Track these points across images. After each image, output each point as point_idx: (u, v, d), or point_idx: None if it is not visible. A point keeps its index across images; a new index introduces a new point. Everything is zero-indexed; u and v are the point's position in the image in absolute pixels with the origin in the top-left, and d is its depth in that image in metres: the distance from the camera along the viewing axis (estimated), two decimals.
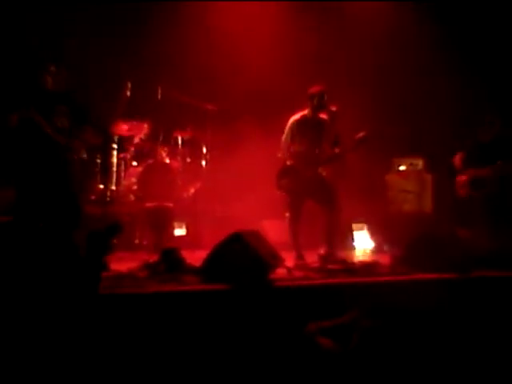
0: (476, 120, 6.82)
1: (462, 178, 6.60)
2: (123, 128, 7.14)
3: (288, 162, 5.89)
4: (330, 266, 5.20)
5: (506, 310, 4.34)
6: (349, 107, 6.27)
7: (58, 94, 5.25)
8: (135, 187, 7.03)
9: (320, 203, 5.88)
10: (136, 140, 7.23)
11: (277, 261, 4.71)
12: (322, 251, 5.81)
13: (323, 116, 5.96)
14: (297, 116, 5.97)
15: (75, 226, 5.01)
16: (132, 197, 7.05)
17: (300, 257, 5.73)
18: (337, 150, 5.86)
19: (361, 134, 5.79)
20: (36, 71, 5.31)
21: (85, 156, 5.41)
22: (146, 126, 7.29)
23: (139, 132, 7.29)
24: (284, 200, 6.00)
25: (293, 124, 5.95)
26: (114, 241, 6.42)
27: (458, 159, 6.69)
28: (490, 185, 6.49)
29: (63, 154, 5.17)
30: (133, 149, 7.25)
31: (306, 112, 5.96)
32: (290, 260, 5.22)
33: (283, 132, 6.00)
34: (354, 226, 7.53)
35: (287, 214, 5.94)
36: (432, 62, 8.04)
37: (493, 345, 3.87)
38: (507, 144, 6.50)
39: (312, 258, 5.71)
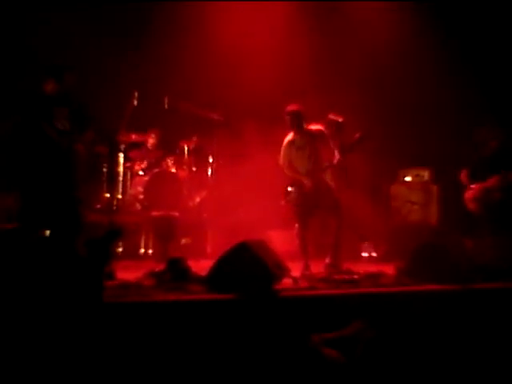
0: (475, 135, 6.95)
1: (470, 194, 6.75)
2: (130, 137, 7.18)
3: (292, 177, 5.98)
4: (335, 277, 5.20)
5: (509, 321, 4.34)
6: (352, 118, 6.30)
7: (59, 96, 5.15)
8: (141, 196, 7.06)
9: (325, 211, 5.93)
10: (144, 149, 7.27)
11: (282, 271, 4.72)
12: (327, 261, 5.84)
13: (314, 128, 6.02)
14: (289, 137, 6.08)
15: (76, 231, 4.96)
16: (138, 206, 7.08)
17: (307, 267, 5.76)
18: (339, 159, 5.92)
19: (357, 135, 5.85)
20: (41, 76, 5.26)
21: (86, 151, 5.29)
22: (153, 135, 7.33)
23: (146, 141, 7.32)
24: (292, 212, 6.04)
25: (285, 145, 6.08)
26: (119, 249, 6.51)
27: (463, 175, 6.82)
28: (499, 194, 6.58)
29: (65, 158, 5.06)
30: (139, 158, 7.28)
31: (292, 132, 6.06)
32: (295, 270, 5.22)
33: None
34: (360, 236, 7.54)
35: (296, 225, 5.98)
36: (438, 74, 8.05)
37: (496, 355, 3.87)
38: (508, 155, 6.61)
39: (319, 268, 5.73)
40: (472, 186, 6.78)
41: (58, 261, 3.68)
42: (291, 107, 6.01)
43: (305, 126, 6.00)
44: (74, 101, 5.24)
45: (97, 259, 3.94)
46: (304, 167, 5.99)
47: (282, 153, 6.10)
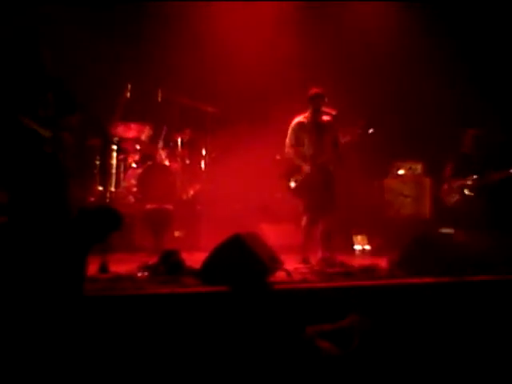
0: (461, 133, 7.04)
1: (445, 187, 7.04)
2: (123, 130, 7.14)
3: (294, 163, 5.94)
4: (328, 270, 5.22)
5: (502, 313, 4.36)
6: (347, 111, 6.30)
7: (41, 80, 4.74)
8: (135, 189, 7.03)
9: (321, 202, 5.90)
10: (138, 141, 7.24)
11: (276, 264, 4.72)
12: (320, 254, 5.85)
13: (325, 117, 6.00)
14: (299, 118, 6.03)
15: (64, 222, 4.81)
16: (131, 198, 7.06)
17: (306, 260, 5.76)
18: (336, 151, 5.90)
19: (362, 122, 5.87)
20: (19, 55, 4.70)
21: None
22: (148, 128, 7.31)
23: (140, 134, 7.29)
24: (300, 204, 6.03)
25: (295, 126, 6.02)
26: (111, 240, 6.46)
27: (447, 169, 6.93)
28: (473, 193, 6.71)
29: (49, 148, 4.71)
30: (132, 150, 7.26)
31: (307, 114, 6.00)
32: (289, 263, 5.23)
33: (281, 134, 6.06)
34: (354, 229, 7.56)
35: (304, 218, 5.97)
36: (432, 68, 8.07)
37: (490, 347, 3.89)
38: (492, 154, 6.72)
39: (313, 262, 5.75)
40: (450, 182, 6.92)
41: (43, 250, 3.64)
42: (315, 90, 5.98)
43: (322, 111, 5.97)
44: (58, 83, 4.86)
45: (85, 235, 3.85)
46: (310, 152, 5.95)
47: (289, 132, 6.05)
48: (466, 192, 6.80)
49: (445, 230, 6.45)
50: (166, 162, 7.35)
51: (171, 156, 7.46)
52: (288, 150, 6.04)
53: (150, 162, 7.21)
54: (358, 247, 7.50)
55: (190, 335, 3.79)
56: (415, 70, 8.13)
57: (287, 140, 6.03)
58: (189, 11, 7.92)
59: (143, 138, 7.32)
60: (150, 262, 4.81)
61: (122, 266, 4.98)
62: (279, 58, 8.04)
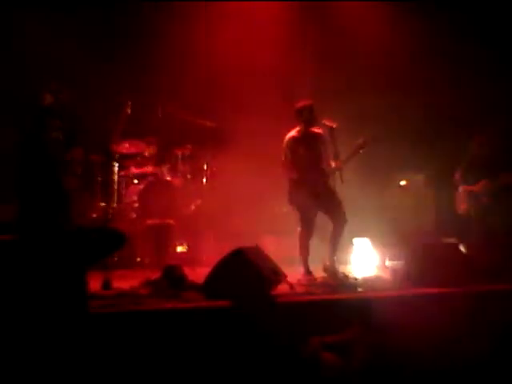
0: (469, 139, 7.02)
1: (459, 196, 6.95)
2: (124, 146, 7.16)
3: (294, 177, 5.92)
4: (332, 282, 5.20)
5: (506, 322, 4.34)
6: (347, 123, 6.30)
7: (53, 108, 5.11)
8: (136, 204, 7.04)
9: (328, 214, 5.88)
10: (140, 157, 7.27)
11: (279, 276, 4.72)
12: (325, 263, 5.81)
13: (317, 130, 6.00)
14: (291, 133, 6.04)
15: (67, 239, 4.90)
16: (133, 214, 7.06)
17: (308, 272, 5.74)
18: (336, 164, 5.87)
19: (360, 140, 5.85)
20: (36, 88, 5.27)
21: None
22: (152, 144, 7.34)
23: (141, 150, 7.31)
24: (295, 215, 6.01)
25: (288, 141, 6.01)
26: (114, 258, 6.47)
27: (457, 175, 6.90)
28: (486, 198, 6.67)
29: (60, 169, 4.98)
30: (134, 166, 7.27)
31: (298, 128, 6.02)
32: (292, 275, 5.21)
33: (281, 148, 6.05)
34: (356, 240, 7.52)
35: (299, 229, 5.94)
36: (433, 76, 8.06)
37: (495, 356, 3.86)
38: (500, 160, 6.70)
39: (316, 273, 5.72)
40: (461, 188, 6.88)
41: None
42: (303, 102, 5.98)
43: (314, 124, 5.97)
44: (68, 114, 5.20)
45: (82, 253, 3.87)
46: (303, 165, 5.93)
47: (283, 149, 6.01)
48: (483, 198, 6.74)
49: (449, 240, 6.42)
50: (168, 178, 7.36)
51: (172, 171, 7.47)
52: (287, 167, 6.00)
53: (151, 178, 7.22)
54: (361, 258, 7.46)
55: (194, 350, 3.77)
56: (420, 81, 8.11)
57: (283, 157, 6.01)
58: (186, 27, 7.96)
59: (146, 154, 7.34)
60: (153, 278, 4.81)
61: (125, 282, 4.98)
62: (282, 71, 8.06)
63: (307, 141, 5.96)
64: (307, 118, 5.92)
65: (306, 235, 5.88)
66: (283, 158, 6.00)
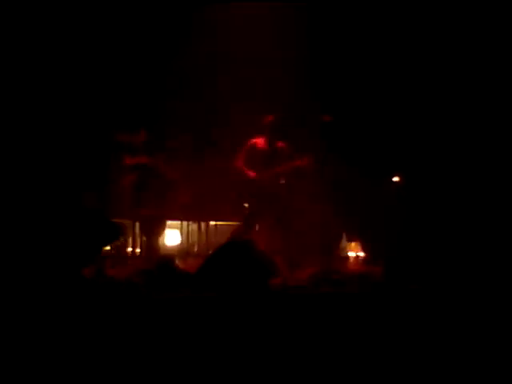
0: None
1: None
2: (118, 136, 7.15)
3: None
4: (322, 276, 5.23)
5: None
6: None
7: None
8: (129, 195, 7.03)
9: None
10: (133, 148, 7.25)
11: (273, 269, 4.77)
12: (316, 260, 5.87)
13: (280, 144, 6.12)
14: (252, 141, 6.15)
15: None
16: (126, 204, 7.05)
17: (297, 265, 5.79)
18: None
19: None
20: None
21: None
22: (142, 134, 7.31)
23: (135, 140, 7.30)
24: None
25: (248, 149, 6.11)
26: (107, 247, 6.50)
27: None
28: None
29: None
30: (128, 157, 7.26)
31: (261, 138, 6.12)
32: (285, 269, 5.25)
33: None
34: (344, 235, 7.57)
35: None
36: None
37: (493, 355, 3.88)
38: None
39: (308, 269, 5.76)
40: None
41: None
42: (270, 116, 6.14)
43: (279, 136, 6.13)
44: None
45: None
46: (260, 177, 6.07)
47: (241, 155, 6.19)
48: None
49: None
50: (161, 168, 7.35)
51: (166, 162, 7.46)
52: (242, 173, 6.14)
53: (144, 168, 7.21)
54: (351, 254, 7.52)
55: (187, 340, 3.81)
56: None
57: (238, 163, 6.12)
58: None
59: (140, 144, 7.32)
60: (146, 268, 4.83)
61: (118, 271, 5.00)
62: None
63: (265, 152, 6.12)
64: (272, 131, 6.16)
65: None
66: (238, 163, 6.20)
